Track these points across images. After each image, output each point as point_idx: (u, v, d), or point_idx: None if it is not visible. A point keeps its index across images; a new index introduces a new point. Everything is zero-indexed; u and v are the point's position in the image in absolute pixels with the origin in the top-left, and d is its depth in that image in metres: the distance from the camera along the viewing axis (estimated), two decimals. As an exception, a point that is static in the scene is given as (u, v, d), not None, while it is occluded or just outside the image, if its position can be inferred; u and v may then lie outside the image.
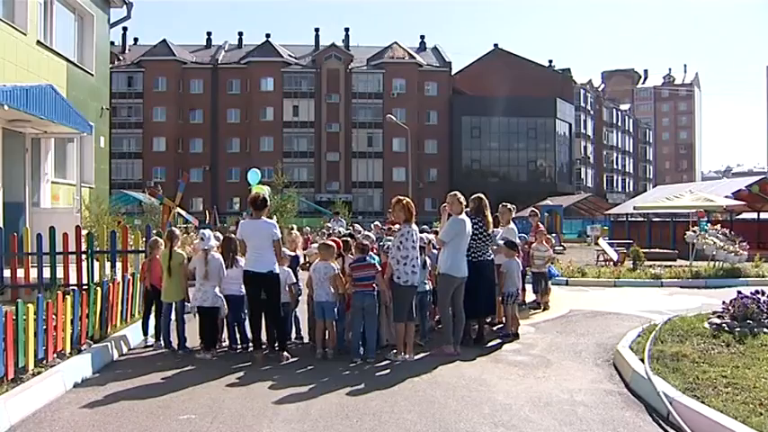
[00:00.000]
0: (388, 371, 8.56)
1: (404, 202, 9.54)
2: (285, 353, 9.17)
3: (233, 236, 10.42)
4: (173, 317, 9.98)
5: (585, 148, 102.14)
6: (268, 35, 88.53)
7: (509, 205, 12.44)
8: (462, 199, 9.94)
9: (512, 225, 12.31)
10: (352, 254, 9.98)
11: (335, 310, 9.48)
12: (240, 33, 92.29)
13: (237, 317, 9.90)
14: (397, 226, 9.99)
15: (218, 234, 11.41)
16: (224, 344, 10.06)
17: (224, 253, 9.84)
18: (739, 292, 10.33)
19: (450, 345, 9.60)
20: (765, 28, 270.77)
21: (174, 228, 11.20)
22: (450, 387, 7.77)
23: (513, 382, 8.01)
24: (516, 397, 7.33)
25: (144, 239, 12.79)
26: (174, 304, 9.96)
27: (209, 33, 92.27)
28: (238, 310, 9.87)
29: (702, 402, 6.37)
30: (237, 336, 9.97)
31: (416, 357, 9.24)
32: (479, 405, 7.02)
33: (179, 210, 24.24)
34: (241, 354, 9.66)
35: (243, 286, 9.56)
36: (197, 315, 9.63)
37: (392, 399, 7.24)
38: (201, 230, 10.57)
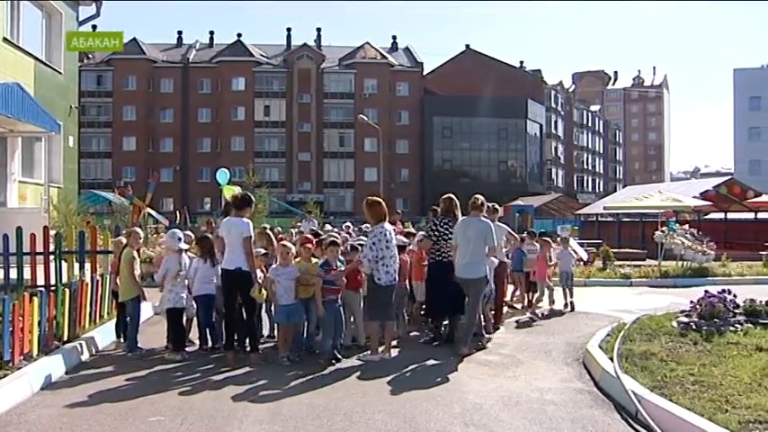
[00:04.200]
0: (360, 371, 8.56)
1: (379, 202, 9.57)
2: (256, 353, 9.13)
3: (208, 236, 10.45)
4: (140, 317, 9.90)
5: (556, 148, 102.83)
6: (239, 35, 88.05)
7: (494, 205, 12.23)
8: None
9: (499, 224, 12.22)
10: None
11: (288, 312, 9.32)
12: (211, 32, 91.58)
13: (209, 317, 9.82)
14: (366, 225, 9.99)
15: (188, 233, 11.34)
16: (195, 344, 10.00)
17: (205, 252, 9.77)
18: (706, 292, 10.50)
19: (465, 346, 9.65)
20: (731, 31, 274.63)
21: (135, 228, 11.06)
22: (422, 387, 7.78)
23: (484, 382, 8.05)
24: (487, 396, 7.36)
25: (113, 240, 12.67)
26: (126, 304, 9.83)
27: (179, 32, 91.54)
28: (210, 311, 9.81)
29: (670, 400, 6.46)
30: (209, 336, 9.91)
31: (388, 357, 9.24)
32: (450, 404, 7.05)
33: (149, 210, 24.03)
34: (211, 354, 9.59)
35: (214, 287, 9.58)
36: (166, 316, 9.54)
37: (363, 398, 7.24)
38: (172, 230, 10.47)
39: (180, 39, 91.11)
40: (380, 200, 9.67)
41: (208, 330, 9.87)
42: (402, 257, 10.72)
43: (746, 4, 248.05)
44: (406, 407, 6.95)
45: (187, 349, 9.63)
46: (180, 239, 9.79)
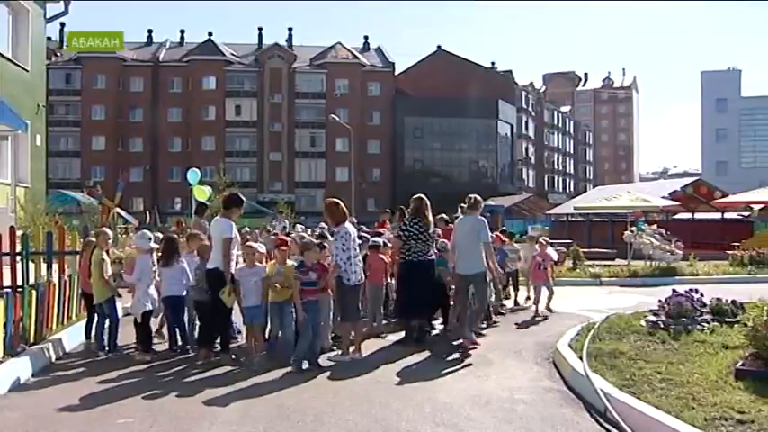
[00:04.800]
0: (330, 371, 8.53)
1: (336, 203, 9.60)
2: (227, 353, 9.08)
3: (174, 236, 10.38)
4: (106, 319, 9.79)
5: (527, 149, 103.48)
6: (210, 33, 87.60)
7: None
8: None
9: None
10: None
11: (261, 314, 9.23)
12: (182, 31, 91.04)
13: (178, 318, 9.75)
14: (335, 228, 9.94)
15: (158, 234, 11.26)
16: (164, 341, 9.94)
17: (164, 253, 9.72)
18: (674, 291, 10.62)
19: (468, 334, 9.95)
20: (699, 34, 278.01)
21: (104, 229, 10.97)
22: (392, 386, 7.80)
23: (455, 381, 8.07)
24: (457, 396, 7.38)
25: (81, 240, 12.52)
26: (102, 305, 9.72)
27: (150, 31, 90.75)
28: (179, 312, 9.74)
29: (638, 398, 6.52)
30: (179, 337, 9.83)
31: (359, 357, 9.23)
32: (421, 404, 7.05)
33: (118, 210, 23.85)
34: (181, 355, 9.52)
35: (183, 288, 9.55)
36: (141, 317, 9.44)
37: (334, 399, 7.23)
38: (142, 231, 10.40)
39: (150, 37, 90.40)
40: (339, 201, 9.67)
41: (177, 331, 9.80)
42: (378, 257, 10.79)
43: (714, 6, 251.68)
44: (377, 407, 6.94)
45: (156, 349, 9.58)
46: (150, 239, 9.75)
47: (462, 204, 12.19)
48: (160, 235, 11.34)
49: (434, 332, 11.27)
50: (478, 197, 10.64)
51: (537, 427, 6.35)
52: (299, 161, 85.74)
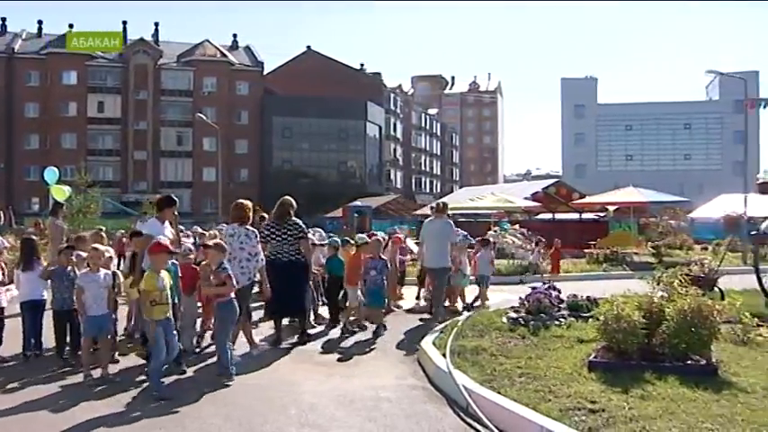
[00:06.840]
0: (193, 374, 8.36)
1: (235, 205, 9.94)
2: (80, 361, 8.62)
3: (32, 237, 9.91)
4: None
5: (395, 150, 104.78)
6: (71, 25, 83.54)
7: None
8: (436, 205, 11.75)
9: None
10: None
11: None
12: (40, 21, 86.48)
13: (35, 323, 9.24)
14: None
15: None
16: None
17: (22, 255, 9.27)
18: (534, 288, 11.00)
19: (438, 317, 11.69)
20: (560, 43, 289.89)
21: None
22: (257, 389, 7.71)
23: (320, 382, 8.07)
24: (322, 396, 7.39)
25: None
26: None
27: (3, 19, 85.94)
28: (37, 316, 9.26)
29: (499, 393, 6.72)
30: (33, 342, 9.31)
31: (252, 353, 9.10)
32: (286, 406, 7.01)
33: (-32, 210, 22.52)
34: (33, 362, 9.03)
35: (43, 291, 9.15)
36: None
37: (197, 404, 7.09)
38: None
39: (4, 26, 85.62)
40: (242, 203, 9.95)
41: (33, 336, 9.29)
42: None
43: (573, 16, 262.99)
44: (241, 410, 6.86)
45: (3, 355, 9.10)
46: None
47: (432, 206, 13.13)
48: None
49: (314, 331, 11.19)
50: (447, 202, 12.56)
51: (401, 425, 6.44)
52: (164, 160, 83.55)
